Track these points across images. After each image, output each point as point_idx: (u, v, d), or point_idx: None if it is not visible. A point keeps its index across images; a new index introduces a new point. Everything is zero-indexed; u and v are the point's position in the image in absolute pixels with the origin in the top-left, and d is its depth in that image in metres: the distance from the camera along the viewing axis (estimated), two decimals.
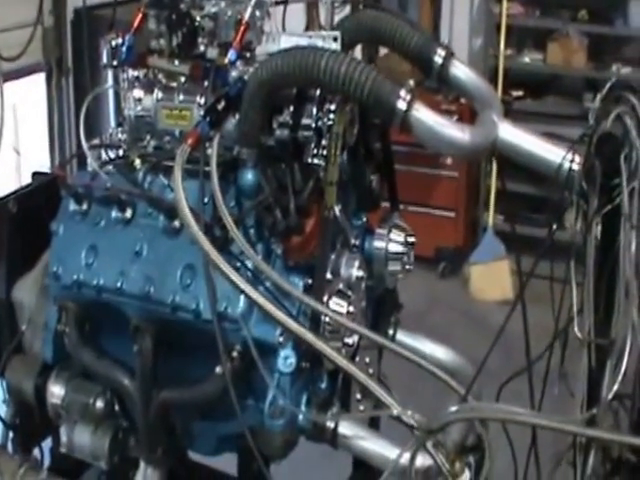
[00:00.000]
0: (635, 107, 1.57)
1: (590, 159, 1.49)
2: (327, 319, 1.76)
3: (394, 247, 2.06)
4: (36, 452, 2.33)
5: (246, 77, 1.77)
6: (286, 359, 1.80)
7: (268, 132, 1.77)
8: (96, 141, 2.03)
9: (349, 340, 1.81)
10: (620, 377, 1.52)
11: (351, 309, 1.81)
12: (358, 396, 1.99)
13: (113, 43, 1.92)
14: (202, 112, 1.79)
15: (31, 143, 4.55)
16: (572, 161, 1.61)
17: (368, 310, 2.11)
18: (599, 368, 1.62)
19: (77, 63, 4.32)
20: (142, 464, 2.03)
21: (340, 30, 1.87)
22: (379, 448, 1.80)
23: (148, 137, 1.96)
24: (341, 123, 1.74)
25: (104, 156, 2.01)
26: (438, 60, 1.87)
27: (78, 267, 1.95)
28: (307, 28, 3.95)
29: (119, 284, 1.91)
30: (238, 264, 1.75)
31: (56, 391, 2.09)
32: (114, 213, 1.94)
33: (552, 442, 1.68)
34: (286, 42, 1.80)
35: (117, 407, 2.06)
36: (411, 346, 2.25)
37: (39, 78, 4.65)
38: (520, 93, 5.58)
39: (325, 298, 1.79)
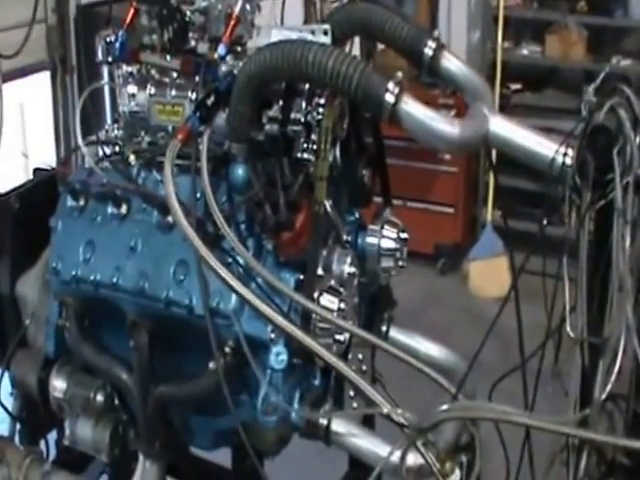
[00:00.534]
0: (630, 99, 1.45)
1: (582, 153, 1.38)
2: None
3: (387, 243, 1.97)
4: (43, 445, 2.30)
5: (236, 71, 1.68)
6: (278, 355, 1.73)
7: (258, 127, 1.69)
8: (93, 138, 1.97)
9: (340, 337, 1.72)
10: (613, 377, 1.41)
11: (342, 306, 1.74)
12: (352, 393, 1.91)
13: (107, 39, 1.84)
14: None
15: (39, 141, 4.48)
16: (565, 155, 1.50)
17: (361, 306, 2.03)
18: (592, 367, 1.51)
19: (81, 61, 4.22)
20: (141, 457, 1.99)
21: (330, 23, 1.77)
22: (372, 446, 1.72)
23: (143, 133, 1.90)
24: (330, 117, 1.65)
25: (101, 152, 1.95)
26: (429, 52, 1.76)
27: (76, 263, 1.91)
28: (305, 22, 3.84)
29: (115, 279, 1.86)
30: (230, 260, 1.68)
31: (58, 385, 2.06)
32: (110, 209, 1.89)
33: (546, 441, 1.58)
34: (277, 36, 1.71)
35: (117, 401, 2.02)
36: (405, 343, 2.17)
37: (46, 76, 4.57)
38: (519, 86, 5.36)
39: (316, 294, 1.72)
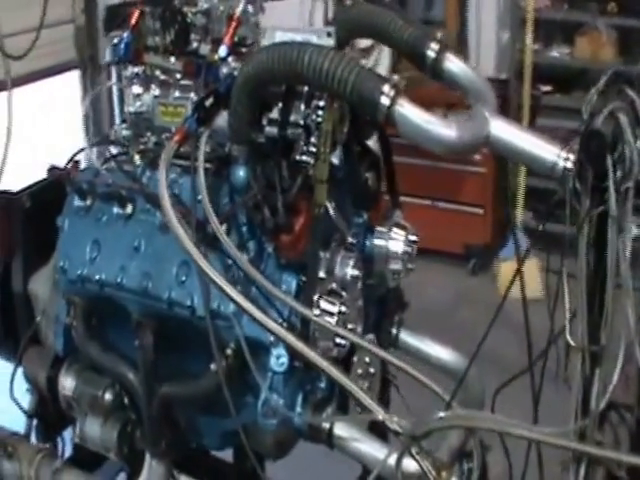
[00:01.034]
0: (635, 102, 1.40)
1: (581, 158, 1.33)
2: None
3: (394, 245, 1.94)
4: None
5: (236, 73, 1.66)
6: (278, 358, 1.71)
7: (259, 129, 1.67)
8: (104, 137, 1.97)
9: (341, 340, 1.68)
10: (612, 387, 1.36)
11: (343, 309, 1.71)
12: None
13: (115, 40, 1.83)
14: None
15: (69, 141, 4.52)
16: (567, 159, 1.45)
17: (370, 309, 2.00)
18: (593, 375, 1.47)
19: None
20: (147, 456, 1.98)
21: (335, 25, 1.75)
22: (374, 451, 1.68)
23: (149, 134, 1.89)
24: (330, 120, 1.62)
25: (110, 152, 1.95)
26: (431, 54, 1.73)
27: (82, 262, 1.92)
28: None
29: (119, 279, 1.86)
30: (230, 262, 1.66)
31: (67, 383, 2.06)
32: (115, 209, 1.89)
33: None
34: (281, 37, 1.70)
35: (126, 399, 2.01)
36: (415, 347, 2.14)
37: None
38: (548, 88, 5.31)
39: (316, 297, 1.68)
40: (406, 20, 1.75)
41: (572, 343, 1.46)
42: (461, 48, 5.35)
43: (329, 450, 1.75)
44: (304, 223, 1.65)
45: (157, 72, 1.83)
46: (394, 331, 2.11)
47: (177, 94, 1.82)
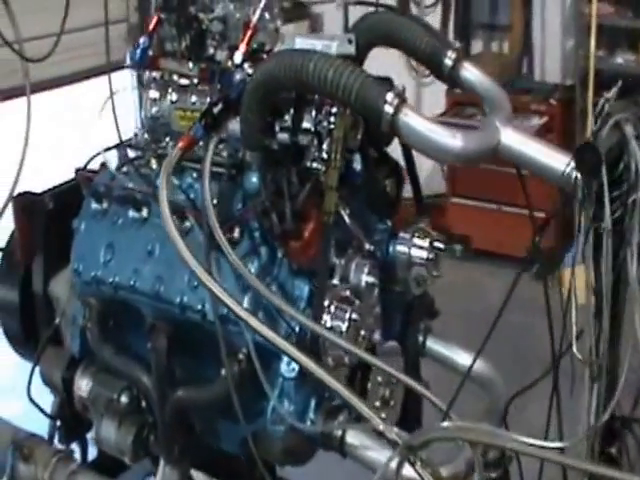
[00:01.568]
0: None
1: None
2: (328, 324, 1.73)
3: (417, 252, 2.00)
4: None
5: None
6: (289, 364, 1.77)
7: (271, 135, 1.74)
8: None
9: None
10: (614, 401, 1.41)
11: (354, 316, 1.76)
12: (377, 403, 1.94)
13: (134, 45, 1.92)
14: None
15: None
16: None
17: (395, 316, 2.07)
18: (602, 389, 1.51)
19: None
20: (162, 462, 2.04)
21: (355, 32, 1.83)
22: (385, 459, 1.72)
23: (168, 138, 1.97)
24: (341, 127, 1.69)
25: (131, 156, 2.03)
26: (448, 63, 1.82)
27: (97, 264, 2.00)
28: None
29: (132, 282, 1.94)
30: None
31: (83, 384, 2.13)
32: (131, 212, 1.97)
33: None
34: (301, 44, 1.76)
35: (144, 403, 2.06)
36: (442, 354, 2.20)
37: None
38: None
39: (327, 303, 1.75)
40: (424, 28, 1.84)
41: (579, 356, 1.50)
42: (526, 53, 5.42)
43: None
44: (314, 229, 1.72)
45: (175, 77, 1.92)
46: (420, 339, 2.16)
47: (194, 99, 1.91)
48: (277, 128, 1.75)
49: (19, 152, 2.86)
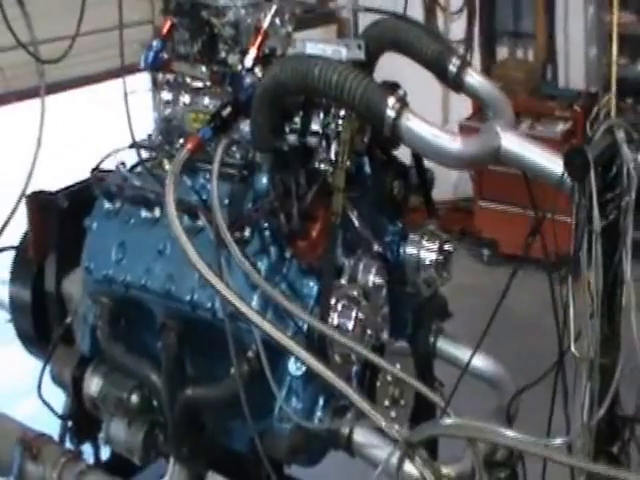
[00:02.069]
0: None
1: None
2: (334, 322, 1.83)
3: (426, 254, 2.11)
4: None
5: None
6: (297, 361, 1.86)
7: (281, 137, 1.87)
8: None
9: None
10: (608, 400, 1.51)
11: (361, 315, 1.87)
12: (387, 402, 2.04)
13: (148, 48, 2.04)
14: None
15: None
16: None
17: (406, 317, 2.17)
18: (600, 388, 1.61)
19: None
20: (171, 461, 2.14)
21: (365, 38, 1.96)
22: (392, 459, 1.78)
23: (181, 140, 2.07)
24: (348, 129, 1.81)
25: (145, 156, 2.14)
26: (453, 69, 1.96)
27: (108, 263, 2.11)
28: None
29: (143, 281, 2.05)
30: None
31: (93, 383, 2.22)
32: (143, 212, 2.08)
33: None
34: (311, 49, 1.88)
35: (155, 402, 2.14)
36: (453, 355, 2.29)
37: None
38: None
39: (334, 302, 1.85)
40: (431, 35, 1.99)
41: (577, 355, 1.59)
42: (550, 61, 5.54)
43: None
44: (321, 229, 1.84)
45: (188, 80, 2.05)
46: (431, 339, 2.26)
47: (207, 101, 2.03)
48: (286, 130, 1.88)
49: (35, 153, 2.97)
